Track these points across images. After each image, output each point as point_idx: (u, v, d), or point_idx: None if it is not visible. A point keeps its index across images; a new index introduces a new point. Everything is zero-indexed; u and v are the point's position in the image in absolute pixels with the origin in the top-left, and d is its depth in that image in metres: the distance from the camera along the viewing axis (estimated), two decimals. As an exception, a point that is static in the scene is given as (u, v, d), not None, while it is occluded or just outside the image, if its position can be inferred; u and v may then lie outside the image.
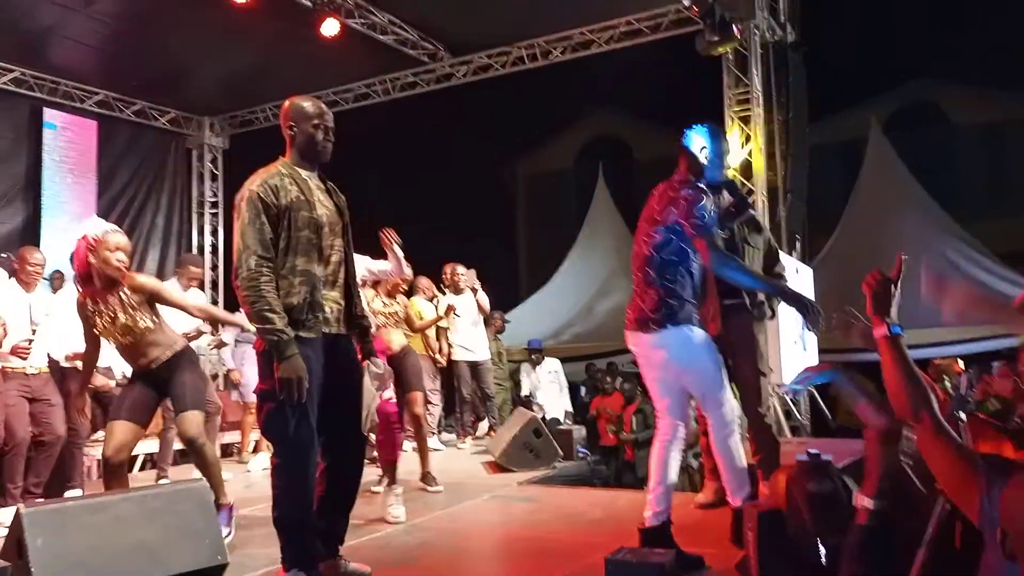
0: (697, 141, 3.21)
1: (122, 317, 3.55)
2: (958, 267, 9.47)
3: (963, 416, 2.73)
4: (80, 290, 3.66)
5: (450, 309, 6.47)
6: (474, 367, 6.79)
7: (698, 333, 3.04)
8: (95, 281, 3.59)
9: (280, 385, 2.67)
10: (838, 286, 9.08)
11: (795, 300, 3.01)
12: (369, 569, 2.98)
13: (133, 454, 5.43)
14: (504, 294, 11.54)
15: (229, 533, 3.46)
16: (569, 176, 19.27)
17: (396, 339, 5.00)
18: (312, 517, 2.84)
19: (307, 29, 7.65)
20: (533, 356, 8.29)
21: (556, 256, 13.88)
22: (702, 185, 3.10)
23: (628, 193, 16.84)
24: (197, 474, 5.27)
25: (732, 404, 3.08)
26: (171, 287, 4.10)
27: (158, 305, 3.72)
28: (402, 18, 8.23)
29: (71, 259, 3.93)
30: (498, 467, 5.41)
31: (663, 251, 3.03)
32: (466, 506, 4.39)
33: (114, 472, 3.46)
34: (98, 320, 3.57)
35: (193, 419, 3.55)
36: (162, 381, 3.61)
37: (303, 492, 2.81)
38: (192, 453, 3.63)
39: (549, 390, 7.99)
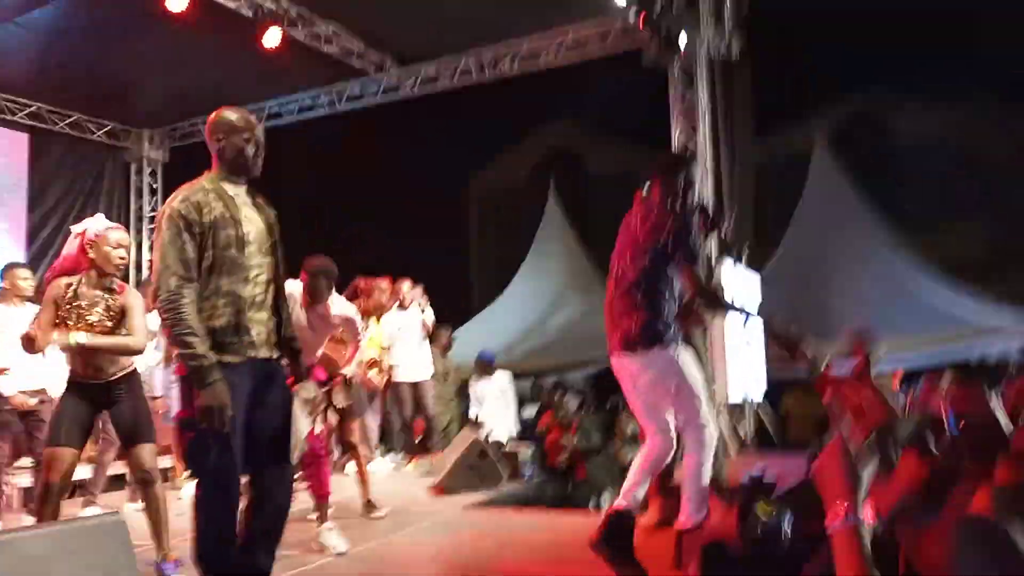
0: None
1: (103, 318, 3.44)
2: (899, 282, 9.63)
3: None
4: (57, 280, 3.52)
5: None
6: (416, 387, 6.63)
7: (684, 355, 3.10)
8: (85, 276, 3.49)
9: (200, 413, 2.52)
10: (787, 294, 9.21)
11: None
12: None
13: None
14: (455, 309, 11.41)
15: None
16: (521, 190, 19.25)
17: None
18: (234, 553, 2.67)
19: (249, 39, 7.45)
20: (482, 368, 8.07)
21: (508, 271, 13.80)
22: (685, 213, 3.18)
23: (580, 206, 16.93)
24: (128, 503, 5.08)
25: (712, 427, 3.12)
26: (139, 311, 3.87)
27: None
28: (347, 27, 8.08)
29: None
30: (443, 490, 5.27)
31: (650, 276, 3.11)
32: (408, 533, 4.24)
33: (52, 499, 3.32)
34: (75, 310, 3.43)
35: (152, 452, 3.45)
36: (106, 398, 3.48)
37: (225, 526, 2.65)
38: (144, 488, 3.50)
39: (495, 406, 7.83)
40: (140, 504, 5.02)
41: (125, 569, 2.72)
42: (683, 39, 6.76)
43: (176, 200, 2.67)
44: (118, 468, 5.95)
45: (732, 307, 3.40)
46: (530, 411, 9.72)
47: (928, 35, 14.16)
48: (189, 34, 7.38)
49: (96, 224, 3.56)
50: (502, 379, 8.09)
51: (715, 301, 3.36)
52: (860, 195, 11.16)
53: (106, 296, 3.49)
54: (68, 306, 3.45)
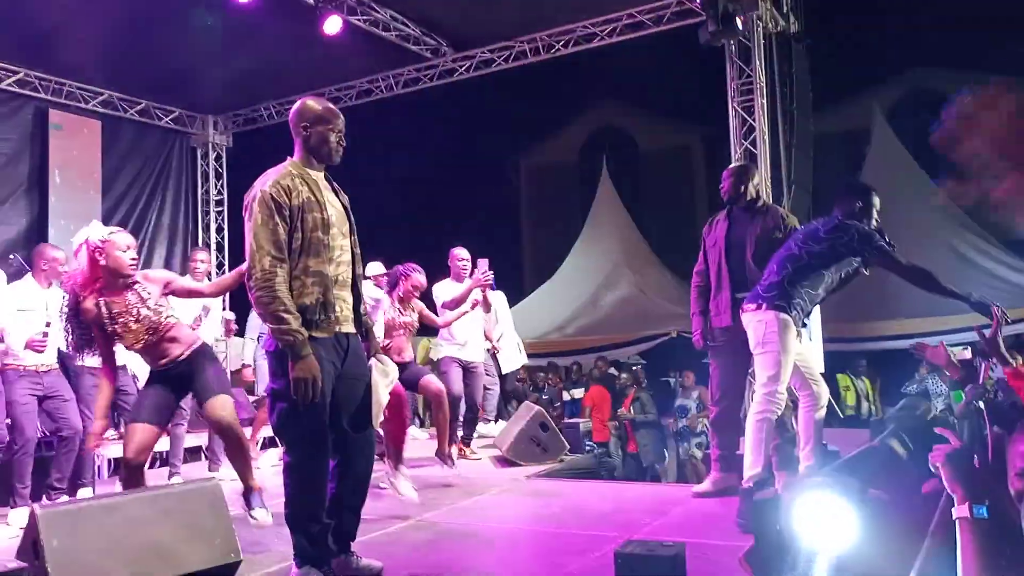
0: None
1: (144, 312, 3.47)
2: (964, 256, 9.45)
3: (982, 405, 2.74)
4: (81, 297, 3.49)
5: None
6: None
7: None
8: (105, 284, 3.49)
9: (294, 385, 2.70)
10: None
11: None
12: (381, 565, 3.01)
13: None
14: (509, 288, 11.52)
15: (267, 512, 3.44)
16: (573, 169, 19.27)
17: (407, 350, 5.08)
18: (324, 515, 2.87)
19: (310, 27, 7.66)
20: None
21: (560, 249, 13.89)
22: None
23: (632, 184, 16.89)
24: (208, 472, 5.39)
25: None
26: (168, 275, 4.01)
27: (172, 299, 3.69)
28: (404, 14, 8.22)
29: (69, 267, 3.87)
30: (506, 461, 5.45)
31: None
32: (475, 501, 4.42)
33: (133, 474, 3.43)
34: (118, 323, 3.45)
35: (225, 402, 3.46)
36: (181, 379, 3.55)
37: (316, 490, 2.84)
38: (224, 438, 3.57)
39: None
40: (219, 472, 5.35)
41: (221, 529, 2.95)
42: (739, 17, 6.72)
43: (267, 184, 2.82)
44: (193, 440, 6.31)
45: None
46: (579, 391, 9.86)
47: (986, 13, 13.71)
48: (252, 21, 7.62)
49: (95, 232, 3.51)
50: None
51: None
52: (921, 168, 10.91)
53: (132, 293, 3.50)
54: (111, 322, 3.47)
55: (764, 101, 7.18)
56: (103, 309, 3.46)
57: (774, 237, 4.23)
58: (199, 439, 6.37)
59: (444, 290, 5.89)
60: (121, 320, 3.46)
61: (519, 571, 3.06)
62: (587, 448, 6.08)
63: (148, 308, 3.49)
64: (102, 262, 3.46)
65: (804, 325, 3.97)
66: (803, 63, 7.66)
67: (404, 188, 15.55)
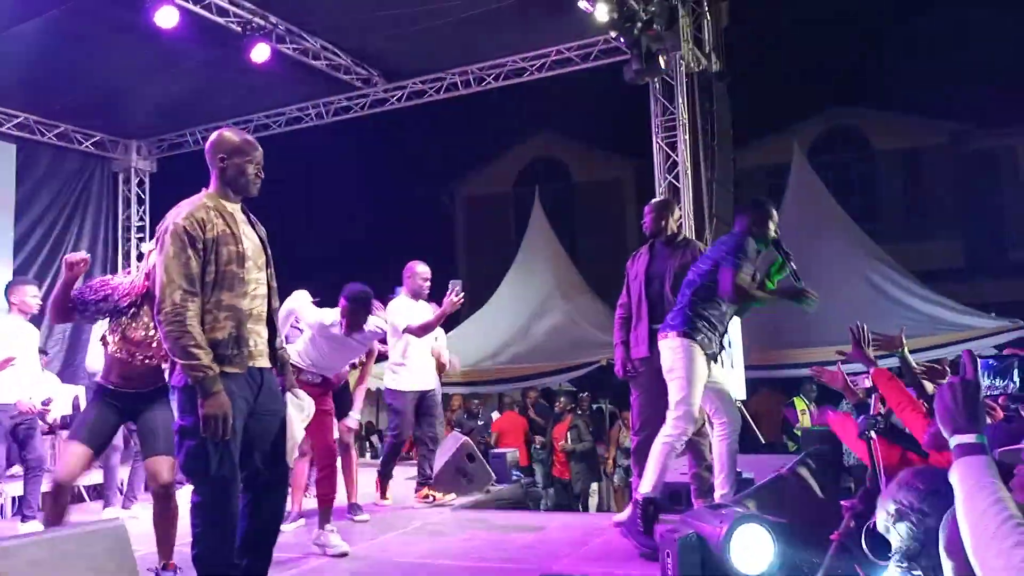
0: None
1: (152, 337, 3.49)
2: (878, 287, 9.86)
3: (873, 435, 2.88)
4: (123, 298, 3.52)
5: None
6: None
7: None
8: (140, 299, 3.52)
9: (204, 422, 2.65)
10: (765, 308, 9.40)
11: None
12: (293, 606, 2.95)
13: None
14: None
15: None
16: (508, 199, 19.42)
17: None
18: (233, 556, 2.80)
19: (238, 53, 7.58)
20: None
21: (495, 278, 13.94)
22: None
23: (565, 215, 17.12)
24: (121, 510, 5.19)
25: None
26: None
27: None
28: (336, 44, 8.22)
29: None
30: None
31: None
32: (396, 535, 4.37)
33: (61, 493, 3.39)
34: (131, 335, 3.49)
35: (169, 464, 3.42)
36: (132, 408, 3.53)
37: (225, 531, 2.77)
38: (159, 501, 3.47)
39: None
40: (131, 512, 5.19)
41: (125, 571, 2.83)
42: (663, 56, 6.95)
43: (180, 217, 2.78)
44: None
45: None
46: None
47: (902, 52, 14.51)
48: (177, 47, 7.50)
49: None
50: None
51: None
52: (838, 203, 11.40)
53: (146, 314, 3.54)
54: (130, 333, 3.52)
55: (687, 137, 7.41)
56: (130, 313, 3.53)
57: (691, 271, 4.36)
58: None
59: (402, 309, 5.14)
60: (131, 326, 3.51)
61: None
62: (514, 478, 6.06)
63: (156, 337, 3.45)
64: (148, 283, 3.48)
65: (722, 348, 4.08)
66: (724, 101, 7.96)
67: (337, 217, 15.43)
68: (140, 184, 10.70)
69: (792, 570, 2.67)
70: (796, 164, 11.52)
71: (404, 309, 5.15)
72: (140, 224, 10.67)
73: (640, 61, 6.90)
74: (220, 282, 2.78)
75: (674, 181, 7.42)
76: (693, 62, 7.63)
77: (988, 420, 1.44)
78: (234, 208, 2.92)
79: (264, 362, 2.93)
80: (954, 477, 1.32)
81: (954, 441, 1.34)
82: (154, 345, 3.50)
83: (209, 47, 7.63)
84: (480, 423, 10.02)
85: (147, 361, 3.53)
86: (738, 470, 4.67)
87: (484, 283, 14.83)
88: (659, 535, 2.93)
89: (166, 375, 3.49)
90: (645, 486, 3.68)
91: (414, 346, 5.20)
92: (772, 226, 4.02)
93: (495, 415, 10.22)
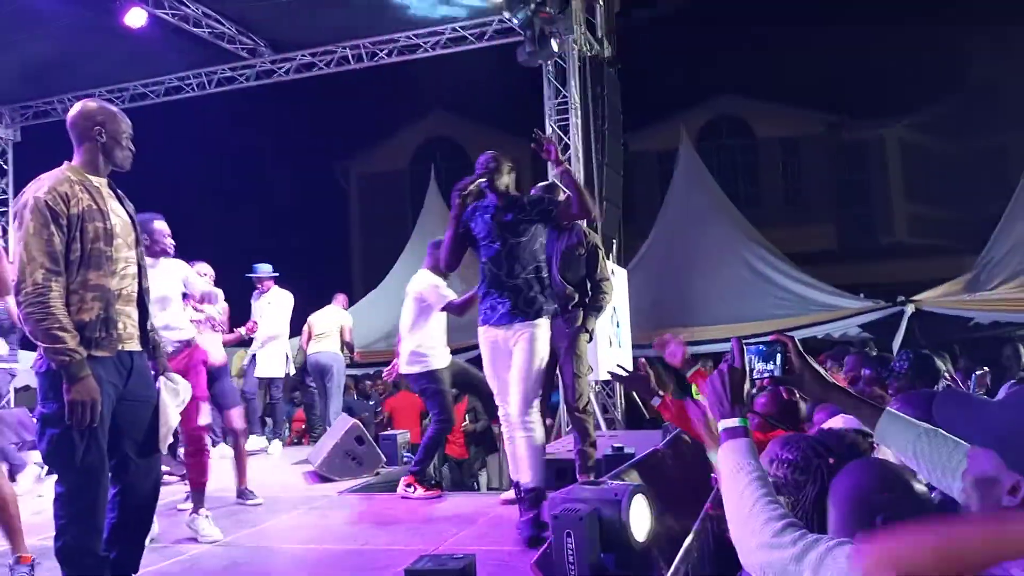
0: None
1: None
2: (755, 270, 10.38)
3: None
4: None
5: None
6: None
7: None
8: None
9: (70, 408, 2.51)
10: (651, 287, 9.76)
11: None
12: (167, 596, 2.85)
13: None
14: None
15: None
16: (404, 177, 19.21)
17: (216, 350, 4.76)
18: (100, 547, 2.68)
19: (112, 17, 7.12)
20: None
21: (390, 256, 13.79)
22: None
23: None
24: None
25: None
26: None
27: None
28: (220, 12, 7.85)
29: None
30: (319, 477, 5.33)
31: None
32: (281, 520, 4.29)
33: None
34: None
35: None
36: None
37: (91, 522, 2.64)
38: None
39: None
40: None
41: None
42: (555, 39, 7.02)
43: (41, 191, 2.61)
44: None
45: None
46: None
47: (785, 45, 15.22)
48: (42, 6, 6.98)
49: None
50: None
51: None
52: (722, 188, 11.90)
53: None
54: None
55: (579, 120, 7.54)
56: None
57: (577, 253, 4.46)
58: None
59: (439, 284, 4.79)
60: None
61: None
62: (405, 460, 6.05)
63: None
64: None
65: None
66: (615, 86, 8.12)
67: (221, 191, 14.81)
68: (2, 154, 9.93)
69: (668, 533, 2.80)
70: (684, 150, 11.93)
71: (440, 285, 4.81)
72: (3, 197, 9.92)
73: (533, 43, 6.95)
74: (86, 261, 2.64)
75: (566, 164, 7.53)
76: (585, 46, 7.75)
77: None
78: (100, 182, 2.76)
79: (134, 345, 2.80)
80: (719, 459, 1.41)
81: (721, 425, 1.43)
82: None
83: (79, 7, 7.14)
84: (372, 404, 9.95)
85: None
86: (619, 444, 4.85)
87: (379, 262, 14.65)
88: (553, 515, 2.85)
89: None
90: (528, 478, 3.50)
91: (441, 324, 4.91)
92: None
93: None
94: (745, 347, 1.52)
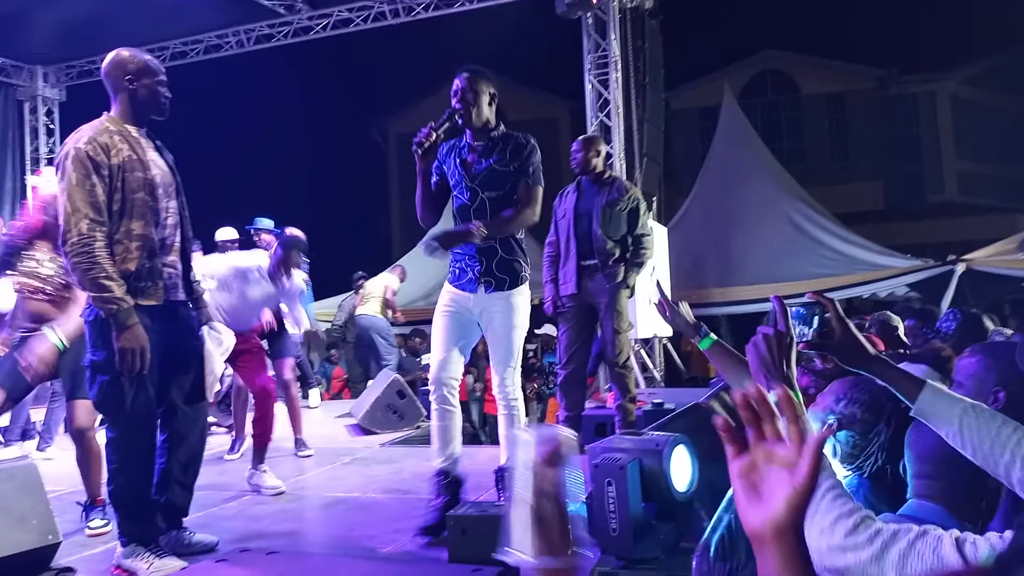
0: None
1: (57, 271, 3.37)
2: (799, 227, 10.16)
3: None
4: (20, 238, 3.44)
5: None
6: None
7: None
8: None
9: (119, 356, 2.55)
10: (692, 246, 9.61)
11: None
12: (216, 539, 2.93)
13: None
14: (376, 255, 11.35)
15: (107, 523, 3.18)
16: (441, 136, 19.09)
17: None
18: (151, 491, 2.75)
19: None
20: None
21: (428, 217, 13.79)
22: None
23: (498, 154, 17.02)
24: (37, 451, 5.03)
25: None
26: None
27: None
28: (256, -34, 7.83)
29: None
30: (361, 429, 5.41)
31: None
32: (325, 470, 4.37)
33: None
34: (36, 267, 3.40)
35: (87, 410, 3.23)
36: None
37: (140, 467, 2.72)
38: (77, 443, 3.29)
39: None
40: (45, 454, 5.03)
41: (38, 510, 2.76)
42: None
43: (82, 141, 2.63)
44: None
45: None
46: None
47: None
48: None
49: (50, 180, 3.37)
50: None
51: None
52: (766, 146, 11.61)
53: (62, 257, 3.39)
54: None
55: (618, 75, 7.38)
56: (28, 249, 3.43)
57: (618, 208, 4.40)
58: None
59: None
60: (38, 262, 3.39)
61: (358, 537, 3.06)
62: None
63: (63, 268, 3.27)
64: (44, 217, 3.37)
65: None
66: (656, 39, 7.92)
67: (261, 153, 14.89)
68: (48, 113, 10.09)
69: (711, 487, 2.76)
70: (727, 106, 11.64)
71: None
72: (51, 156, 10.10)
73: (572, -6, 6.79)
74: (129, 211, 2.66)
75: (605, 119, 7.40)
76: (626, -2, 7.56)
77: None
78: (139, 133, 2.78)
79: (180, 295, 2.84)
80: None
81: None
82: (57, 276, 3.36)
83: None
84: (419, 361, 10.03)
85: (53, 297, 3.38)
86: (658, 400, 4.82)
87: (417, 221, 14.66)
88: (593, 464, 2.76)
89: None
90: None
91: None
92: None
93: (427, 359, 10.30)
94: (791, 310, 1.38)
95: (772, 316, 1.38)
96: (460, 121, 3.02)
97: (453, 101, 3.03)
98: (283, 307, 4.62)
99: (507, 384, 3.05)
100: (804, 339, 1.39)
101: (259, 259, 4.23)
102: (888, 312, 4.74)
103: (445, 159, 3.13)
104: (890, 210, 15.63)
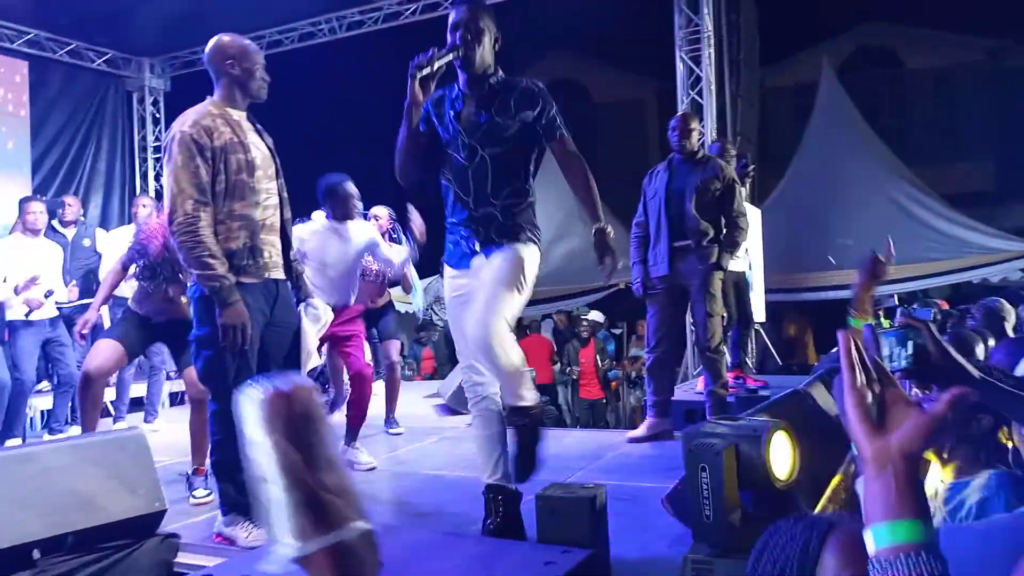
0: None
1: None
2: (904, 208, 9.66)
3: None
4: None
5: None
6: None
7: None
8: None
9: (223, 331, 2.64)
10: (787, 228, 9.27)
11: None
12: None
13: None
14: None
15: (209, 493, 3.36)
16: (526, 119, 19.06)
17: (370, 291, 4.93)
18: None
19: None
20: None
21: (513, 201, 13.84)
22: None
23: (585, 136, 16.87)
24: (144, 423, 5.30)
25: None
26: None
27: None
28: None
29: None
30: (449, 409, 5.47)
31: None
32: (414, 448, 4.44)
33: (92, 386, 3.44)
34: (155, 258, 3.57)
35: None
36: (165, 331, 3.62)
37: (242, 438, 2.80)
38: (196, 408, 3.49)
39: None
40: (153, 426, 5.31)
41: (145, 478, 2.89)
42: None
43: (186, 124, 2.72)
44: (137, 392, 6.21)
45: None
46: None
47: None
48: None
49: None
50: None
51: None
52: (868, 123, 11.06)
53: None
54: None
55: (711, 51, 7.15)
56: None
57: (712, 188, 4.27)
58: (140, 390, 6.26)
59: None
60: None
61: (449, 514, 3.08)
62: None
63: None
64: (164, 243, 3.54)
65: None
66: (752, 14, 7.65)
67: (350, 135, 15.21)
68: (155, 103, 10.56)
69: (814, 477, 2.65)
70: (825, 83, 11.12)
71: None
72: (157, 144, 10.58)
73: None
74: (231, 191, 2.74)
75: (697, 97, 7.20)
76: (720, -29, 7.31)
77: None
78: (240, 116, 2.85)
79: (279, 273, 2.91)
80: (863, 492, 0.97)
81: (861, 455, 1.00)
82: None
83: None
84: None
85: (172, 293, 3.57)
86: (753, 387, 4.68)
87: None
88: (688, 448, 2.62)
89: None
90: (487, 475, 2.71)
91: None
92: None
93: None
94: (881, 335, 1.24)
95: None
96: (459, 62, 2.58)
97: (452, 37, 2.58)
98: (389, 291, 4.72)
99: (489, 349, 2.44)
100: (896, 370, 1.26)
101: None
102: (999, 299, 4.38)
103: (434, 110, 2.69)
104: (1002, 191, 14.67)
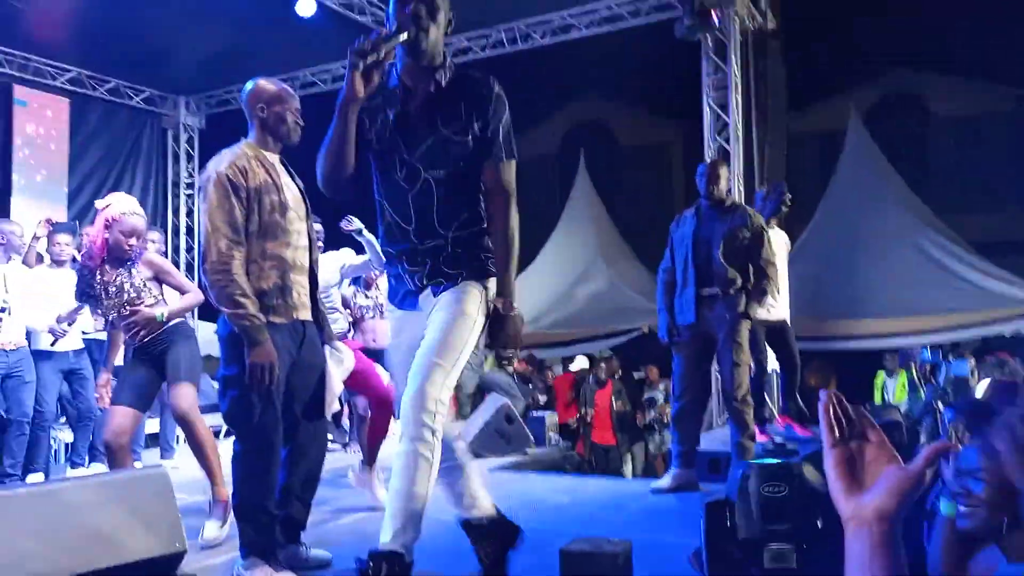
0: None
1: (126, 286, 3.51)
2: (933, 258, 9.54)
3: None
4: (89, 263, 3.58)
5: None
6: None
7: None
8: (109, 254, 3.55)
9: (250, 371, 2.64)
10: (813, 275, 9.19)
11: None
12: (330, 556, 2.97)
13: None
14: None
15: (223, 525, 3.34)
16: (552, 161, 19.21)
17: (382, 329, 4.93)
18: (273, 505, 2.82)
19: (284, 7, 7.54)
20: None
21: (538, 241, 13.86)
22: None
23: (610, 179, 16.91)
24: (160, 460, 5.31)
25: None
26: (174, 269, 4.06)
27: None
28: (381, -2, 8.13)
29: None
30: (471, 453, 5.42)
31: None
32: (434, 493, 4.37)
33: (114, 456, 3.44)
34: (100, 287, 3.53)
35: (187, 393, 3.47)
36: (159, 357, 3.56)
37: (265, 480, 2.79)
38: (184, 430, 3.52)
39: None
40: (173, 462, 5.30)
41: (167, 517, 2.87)
42: (716, 12, 6.72)
43: (222, 165, 2.76)
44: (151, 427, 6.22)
45: None
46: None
47: (967, 14, 13.85)
48: (226, 1, 7.49)
49: (120, 204, 3.61)
50: None
51: None
52: (895, 171, 11.00)
53: (124, 269, 3.55)
54: (99, 285, 3.55)
55: (739, 97, 7.19)
56: (97, 272, 3.55)
57: (742, 236, 4.25)
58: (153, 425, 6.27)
59: None
60: (103, 285, 3.53)
61: (466, 565, 3.02)
62: (552, 442, 6.06)
63: (131, 285, 3.51)
64: (106, 235, 3.53)
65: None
66: (779, 61, 7.70)
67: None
68: (189, 140, 10.80)
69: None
70: (853, 130, 11.11)
71: None
72: (189, 180, 10.79)
73: (692, 16, 6.68)
74: (263, 231, 2.77)
75: (724, 144, 7.21)
76: (748, 19, 7.36)
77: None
78: (273, 158, 2.90)
79: (306, 314, 2.92)
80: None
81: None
82: (125, 294, 3.52)
83: (257, 0, 7.60)
84: (529, 386, 10.02)
85: (132, 310, 3.54)
86: (801, 436, 4.61)
87: (527, 247, 14.74)
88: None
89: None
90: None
91: None
92: None
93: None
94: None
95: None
96: (405, 47, 2.17)
97: (401, 13, 2.18)
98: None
99: (433, 409, 2.11)
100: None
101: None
102: None
103: (367, 110, 2.26)
104: (1033, 241, 14.46)
